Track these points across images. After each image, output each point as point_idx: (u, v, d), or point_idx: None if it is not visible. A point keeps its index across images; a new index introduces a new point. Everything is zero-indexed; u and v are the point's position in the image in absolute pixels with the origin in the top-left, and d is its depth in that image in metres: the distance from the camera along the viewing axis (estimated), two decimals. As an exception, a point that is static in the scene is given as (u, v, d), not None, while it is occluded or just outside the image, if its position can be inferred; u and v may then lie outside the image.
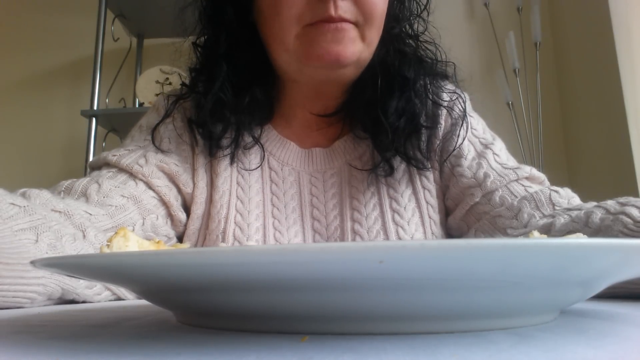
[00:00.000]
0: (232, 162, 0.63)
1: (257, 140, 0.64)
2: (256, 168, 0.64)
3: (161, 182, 0.59)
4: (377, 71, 0.63)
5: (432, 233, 0.63)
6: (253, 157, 0.65)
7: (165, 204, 0.59)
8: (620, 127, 1.37)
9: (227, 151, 0.63)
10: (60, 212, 0.46)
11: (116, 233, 0.26)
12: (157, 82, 1.70)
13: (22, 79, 1.97)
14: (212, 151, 0.62)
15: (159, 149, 0.62)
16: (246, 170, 0.64)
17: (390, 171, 0.64)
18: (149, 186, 0.58)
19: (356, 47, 0.57)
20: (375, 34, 0.59)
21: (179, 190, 0.61)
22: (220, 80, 0.61)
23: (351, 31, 0.56)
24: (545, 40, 1.66)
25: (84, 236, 0.46)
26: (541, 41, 1.61)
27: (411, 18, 0.67)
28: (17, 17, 2.03)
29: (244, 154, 0.64)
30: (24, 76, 1.98)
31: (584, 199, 0.56)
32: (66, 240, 0.43)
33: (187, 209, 0.62)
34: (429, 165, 0.65)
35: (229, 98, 0.61)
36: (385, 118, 0.62)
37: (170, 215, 0.60)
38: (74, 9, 1.98)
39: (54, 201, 0.47)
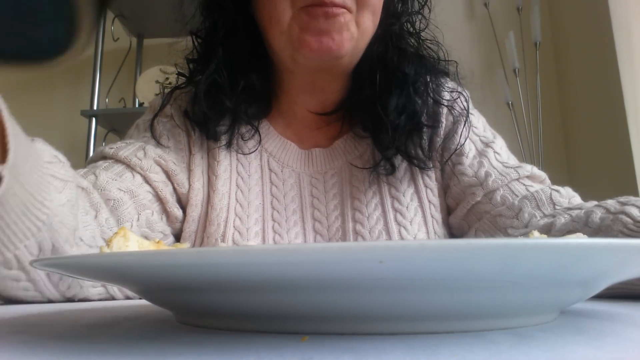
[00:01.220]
0: (229, 146, 0.63)
1: (255, 129, 0.64)
2: (253, 151, 0.64)
3: (158, 177, 0.58)
4: (375, 67, 0.62)
5: (435, 233, 0.62)
6: (251, 147, 0.64)
7: (160, 199, 0.58)
8: (620, 127, 1.37)
9: (225, 139, 0.62)
10: (83, 188, 0.49)
11: (116, 233, 0.26)
12: (157, 82, 1.70)
13: (22, 79, 1.97)
14: (209, 136, 0.62)
15: (159, 144, 0.61)
16: (243, 154, 0.63)
17: (392, 170, 0.63)
18: (146, 180, 0.57)
19: (350, 34, 0.56)
20: (369, 21, 0.58)
21: (174, 189, 0.60)
22: (216, 63, 0.61)
23: (343, 16, 0.55)
24: (545, 40, 1.66)
25: (96, 216, 0.49)
26: (541, 41, 1.61)
27: (412, 15, 0.66)
28: (17, 17, 2.02)
29: (238, 145, 0.64)
30: (24, 76, 1.97)
31: (584, 198, 0.56)
32: (79, 211, 0.44)
33: (182, 206, 0.62)
34: (431, 165, 0.65)
35: (224, 81, 0.61)
36: (386, 115, 0.61)
37: (165, 212, 0.59)
38: (74, 8, 1.98)
39: (78, 178, 0.49)
